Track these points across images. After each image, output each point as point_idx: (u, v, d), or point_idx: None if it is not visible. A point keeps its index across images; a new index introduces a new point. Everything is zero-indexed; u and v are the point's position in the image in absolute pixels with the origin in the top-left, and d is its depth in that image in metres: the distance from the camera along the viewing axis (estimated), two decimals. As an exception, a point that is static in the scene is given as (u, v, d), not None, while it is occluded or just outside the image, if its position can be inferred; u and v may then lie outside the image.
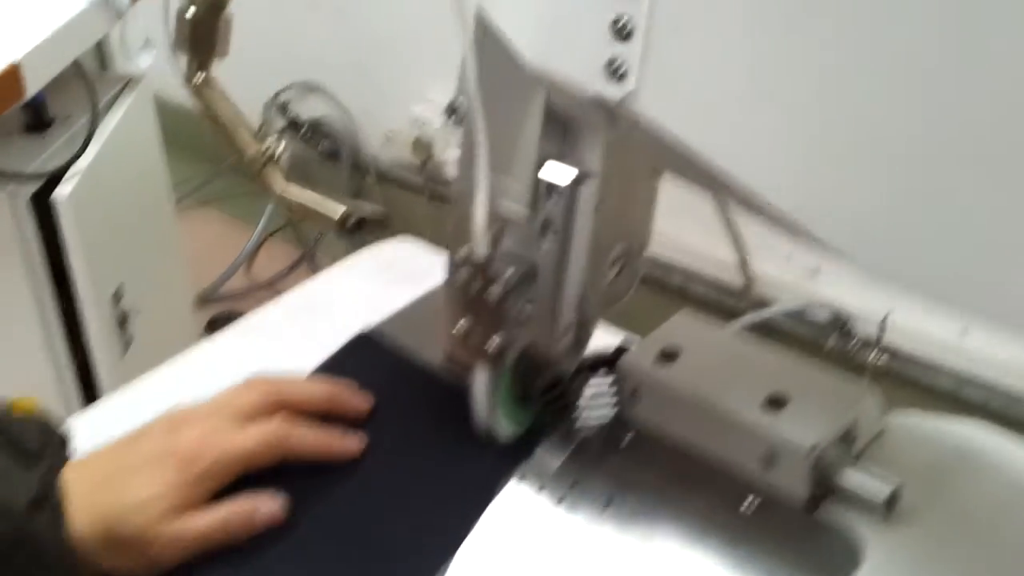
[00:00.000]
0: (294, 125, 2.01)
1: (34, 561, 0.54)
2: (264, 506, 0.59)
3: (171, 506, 0.57)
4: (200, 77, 0.60)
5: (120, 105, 1.32)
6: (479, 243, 0.56)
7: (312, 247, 1.97)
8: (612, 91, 0.49)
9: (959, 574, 0.57)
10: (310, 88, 2.02)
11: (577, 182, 0.54)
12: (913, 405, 1.51)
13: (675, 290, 1.72)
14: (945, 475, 0.63)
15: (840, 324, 1.54)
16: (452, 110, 0.58)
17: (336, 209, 0.60)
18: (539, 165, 0.55)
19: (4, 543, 0.52)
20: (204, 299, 1.92)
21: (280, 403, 0.62)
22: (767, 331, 1.70)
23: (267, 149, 0.60)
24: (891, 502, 0.58)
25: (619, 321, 0.70)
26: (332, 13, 1.94)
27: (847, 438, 0.60)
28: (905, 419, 0.67)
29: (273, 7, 2.00)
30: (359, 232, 0.59)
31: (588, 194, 0.55)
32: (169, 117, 2.06)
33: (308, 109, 2.02)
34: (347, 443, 0.62)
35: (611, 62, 0.48)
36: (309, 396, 0.63)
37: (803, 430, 0.59)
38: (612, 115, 0.50)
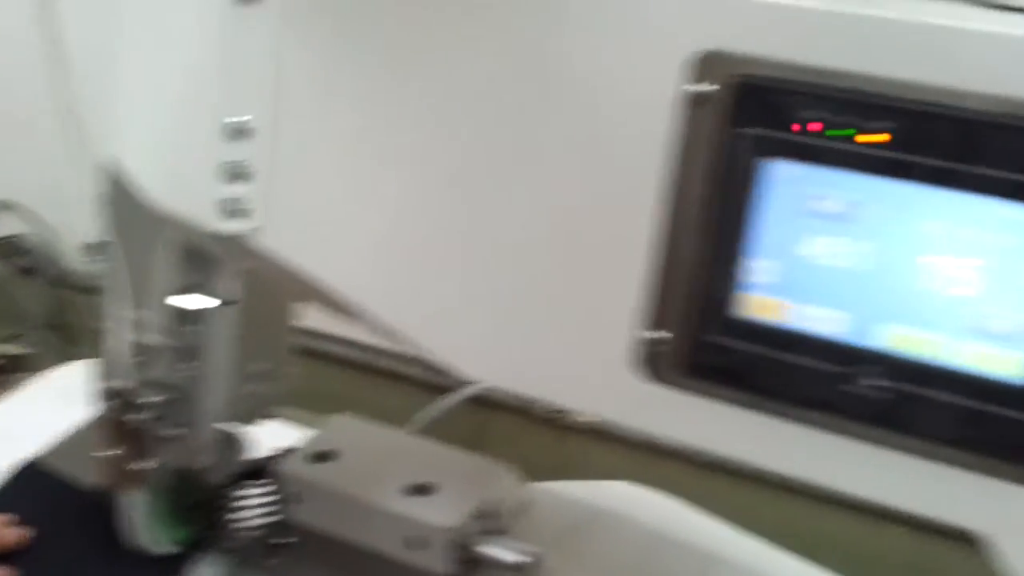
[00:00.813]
0: (-13, 243, 1.95)
1: None
2: None
3: None
4: None
5: None
6: (123, 375, 0.60)
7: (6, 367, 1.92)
8: (233, 227, 0.54)
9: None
10: (3, 206, 1.96)
11: (212, 311, 0.59)
12: (615, 457, 1.62)
13: (386, 373, 1.77)
14: (585, 535, 0.70)
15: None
16: (94, 247, 0.62)
17: None
18: (177, 296, 0.59)
19: None
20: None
21: None
22: (482, 404, 1.78)
23: None
24: (527, 568, 0.65)
25: (332, 408, 0.75)
26: (23, 131, 1.91)
27: (488, 515, 0.67)
28: (549, 488, 0.75)
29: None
30: (12, 374, 0.61)
31: (225, 322, 0.59)
32: None
33: (2, 227, 1.97)
34: None
35: (231, 201, 0.54)
36: None
37: (444, 512, 0.65)
38: (238, 249, 0.55)
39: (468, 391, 1.57)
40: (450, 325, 0.53)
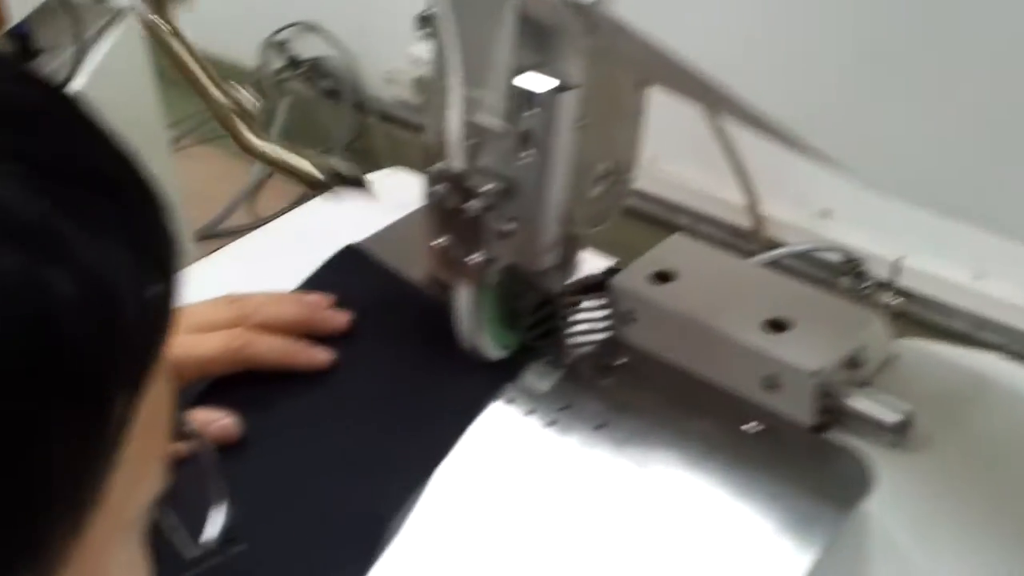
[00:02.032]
0: (294, 64, 1.97)
1: None
2: (218, 424, 0.56)
3: None
4: (161, 24, 0.54)
5: (108, 37, 1.28)
6: (454, 156, 0.52)
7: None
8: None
9: (971, 501, 0.54)
10: (310, 28, 1.97)
11: (556, 93, 0.50)
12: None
13: (683, 231, 1.69)
14: (959, 403, 0.59)
15: (852, 266, 1.50)
16: (424, 20, 0.54)
17: (308, 169, 0.55)
18: (516, 76, 0.51)
19: None
20: (204, 235, 1.89)
21: (251, 319, 0.60)
22: (783, 271, 1.66)
23: (235, 102, 0.55)
24: (902, 427, 0.55)
25: (620, 257, 0.67)
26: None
27: (854, 363, 0.57)
28: (916, 346, 0.64)
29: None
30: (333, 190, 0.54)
31: (569, 106, 0.51)
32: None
33: (308, 48, 1.98)
34: (314, 355, 0.60)
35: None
36: (284, 313, 0.61)
37: (807, 353, 0.55)
38: (590, 21, 0.47)
39: (762, 259, 1.46)
40: (842, 129, 0.43)
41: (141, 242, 0.28)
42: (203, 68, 0.56)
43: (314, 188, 0.55)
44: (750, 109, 0.45)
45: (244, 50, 1.99)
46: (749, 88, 0.45)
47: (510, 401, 0.59)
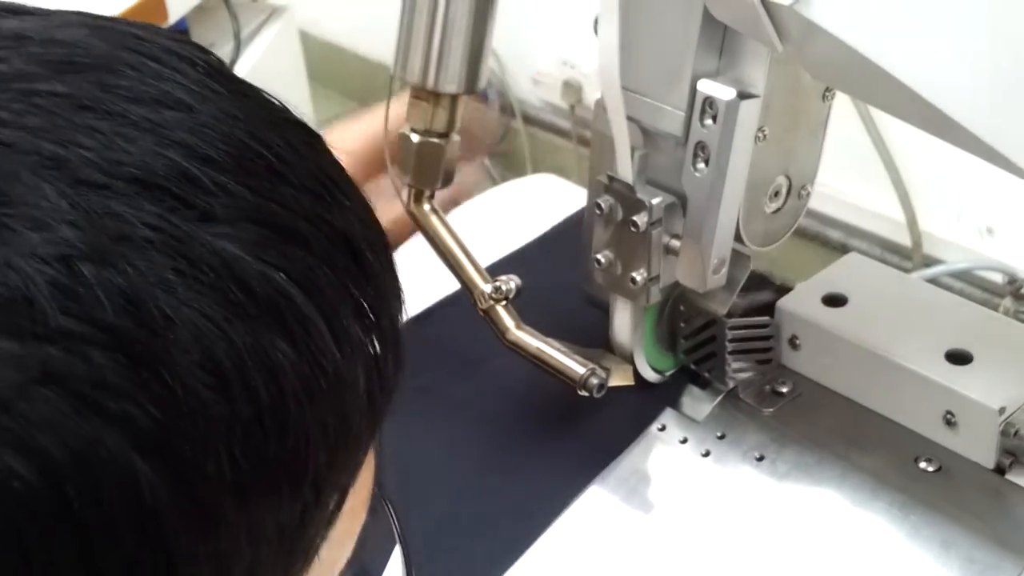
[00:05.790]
0: (441, 64, 1.96)
1: None
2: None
3: None
4: (420, 204, 0.54)
5: (264, 35, 1.30)
6: (622, 166, 0.50)
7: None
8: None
9: None
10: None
11: (737, 102, 0.48)
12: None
13: (836, 246, 1.63)
14: None
15: (1016, 286, 1.43)
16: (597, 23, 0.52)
17: (575, 370, 0.52)
18: (694, 83, 0.49)
19: None
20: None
21: None
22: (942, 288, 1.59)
23: (497, 288, 0.53)
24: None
25: (773, 272, 0.64)
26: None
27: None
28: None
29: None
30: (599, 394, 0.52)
31: (749, 116, 0.48)
32: (315, 52, 2.03)
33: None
34: None
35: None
36: None
37: (992, 388, 0.52)
38: (781, 25, 0.44)
39: (920, 277, 1.40)
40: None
41: (377, 320, 0.25)
42: (468, 256, 0.55)
43: (578, 389, 0.52)
44: (968, 129, 0.41)
45: (389, 48, 2.00)
46: (966, 110, 0.41)
47: (662, 428, 0.56)
